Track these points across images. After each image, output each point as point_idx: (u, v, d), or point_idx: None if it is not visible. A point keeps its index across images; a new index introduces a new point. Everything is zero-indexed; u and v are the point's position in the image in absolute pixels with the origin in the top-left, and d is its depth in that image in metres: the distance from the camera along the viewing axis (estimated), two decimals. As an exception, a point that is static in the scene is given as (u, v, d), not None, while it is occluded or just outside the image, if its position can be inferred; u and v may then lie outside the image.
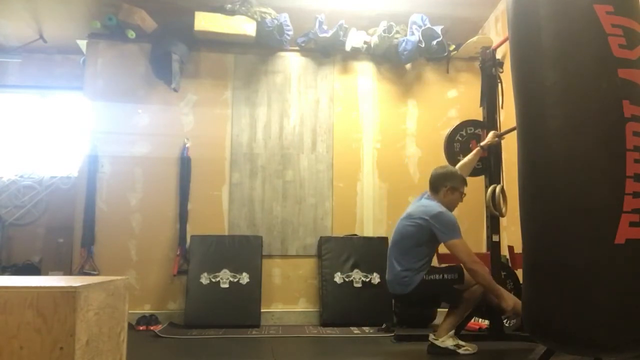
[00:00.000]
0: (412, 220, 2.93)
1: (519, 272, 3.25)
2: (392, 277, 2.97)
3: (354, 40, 4.41)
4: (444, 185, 2.99)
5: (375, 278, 4.12)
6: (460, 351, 2.84)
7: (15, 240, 4.82)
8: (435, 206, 2.93)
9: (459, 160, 3.39)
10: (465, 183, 3.08)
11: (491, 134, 3.34)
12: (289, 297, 4.23)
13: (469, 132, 3.57)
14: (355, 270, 4.14)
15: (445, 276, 2.87)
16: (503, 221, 3.69)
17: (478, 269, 2.77)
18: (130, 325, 3.02)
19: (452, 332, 2.89)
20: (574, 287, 1.82)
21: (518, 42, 2.11)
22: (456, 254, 2.83)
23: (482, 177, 3.57)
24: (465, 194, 3.07)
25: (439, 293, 2.95)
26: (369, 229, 4.39)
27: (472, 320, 3.53)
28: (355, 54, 4.53)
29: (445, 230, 2.83)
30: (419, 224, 2.89)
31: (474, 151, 3.33)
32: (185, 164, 4.26)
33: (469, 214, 4.43)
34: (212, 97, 4.40)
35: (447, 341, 2.86)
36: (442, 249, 3.60)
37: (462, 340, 2.89)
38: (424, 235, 2.88)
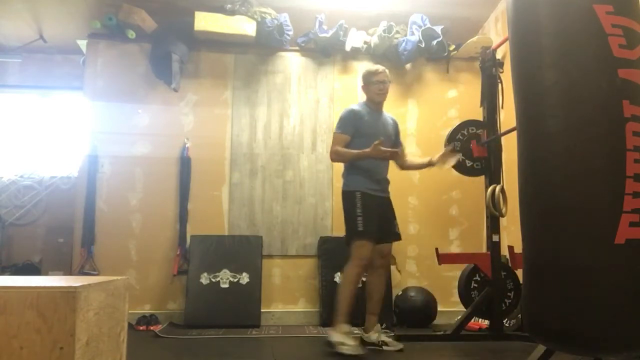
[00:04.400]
0: None
1: (519, 272, 3.25)
2: None
3: (354, 40, 4.41)
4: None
5: (375, 278, 4.12)
6: (344, 350, 2.76)
7: (15, 240, 4.83)
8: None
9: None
10: (373, 73, 3.14)
11: (446, 150, 3.29)
12: (288, 297, 4.23)
13: (469, 132, 3.58)
14: (355, 270, 4.13)
15: (357, 217, 2.92)
16: (503, 221, 3.69)
17: (332, 157, 3.12)
18: (130, 325, 3.02)
19: (345, 326, 2.83)
20: (574, 287, 1.82)
21: (518, 42, 2.11)
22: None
23: (482, 177, 3.57)
24: (381, 81, 3.12)
25: (347, 214, 3.01)
26: (369, 229, 4.38)
27: (472, 320, 3.54)
28: (355, 54, 4.53)
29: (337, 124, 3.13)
30: None
31: (424, 160, 3.34)
32: (185, 164, 4.26)
33: (469, 214, 4.44)
34: (212, 97, 4.40)
35: (335, 336, 2.82)
36: (442, 249, 3.61)
37: (464, 340, 2.88)
38: None
